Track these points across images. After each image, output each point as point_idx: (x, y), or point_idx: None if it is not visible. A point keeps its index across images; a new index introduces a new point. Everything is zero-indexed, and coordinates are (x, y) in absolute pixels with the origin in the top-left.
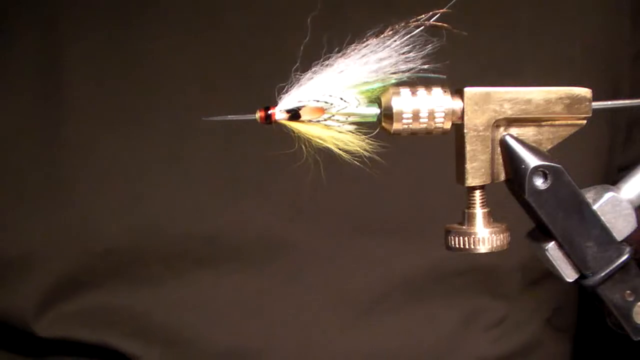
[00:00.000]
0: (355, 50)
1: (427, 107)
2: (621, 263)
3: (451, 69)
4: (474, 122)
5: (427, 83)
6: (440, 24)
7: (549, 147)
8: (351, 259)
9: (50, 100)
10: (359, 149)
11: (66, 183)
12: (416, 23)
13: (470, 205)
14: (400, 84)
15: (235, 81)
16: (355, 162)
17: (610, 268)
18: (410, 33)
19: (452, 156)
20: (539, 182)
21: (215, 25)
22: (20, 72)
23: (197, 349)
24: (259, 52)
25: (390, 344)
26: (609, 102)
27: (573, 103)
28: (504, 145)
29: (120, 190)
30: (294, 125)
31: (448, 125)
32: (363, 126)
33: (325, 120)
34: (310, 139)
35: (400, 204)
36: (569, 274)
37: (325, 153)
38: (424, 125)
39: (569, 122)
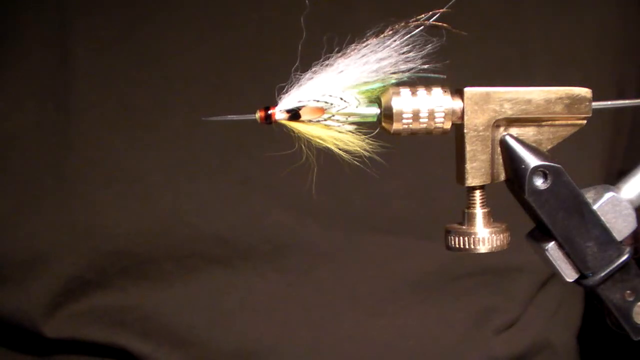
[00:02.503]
0: (355, 50)
1: (427, 107)
2: (621, 263)
3: (452, 69)
4: (474, 122)
5: (427, 83)
6: (440, 23)
7: (549, 147)
8: (361, 258)
9: (58, 101)
10: (359, 149)
11: (76, 184)
12: (416, 23)
13: (470, 205)
14: (400, 84)
15: (243, 81)
16: (357, 163)
17: (610, 268)
18: (410, 33)
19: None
20: (539, 182)
21: (220, 27)
22: (29, 73)
23: (206, 348)
24: (263, 52)
25: (399, 344)
26: (609, 102)
27: (573, 103)
28: (504, 145)
29: (130, 190)
30: (294, 125)
31: (448, 125)
32: (363, 126)
33: (325, 120)
34: (310, 139)
35: (410, 204)
36: (569, 274)
37: (334, 153)
38: (424, 125)
39: (569, 122)
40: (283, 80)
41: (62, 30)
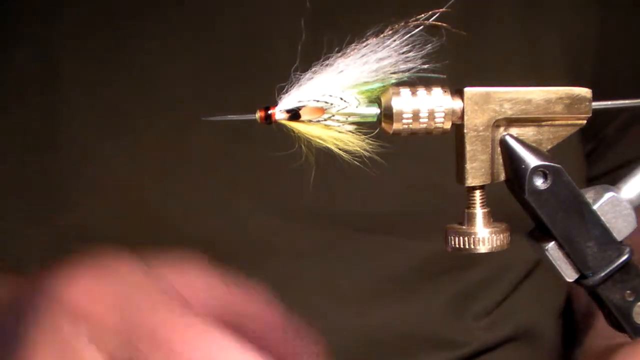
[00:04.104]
0: (355, 50)
1: (427, 107)
2: (621, 263)
3: (451, 69)
4: (474, 122)
5: (427, 83)
6: (439, 23)
7: (549, 147)
8: (345, 257)
9: (45, 104)
10: (358, 149)
11: (63, 188)
12: (415, 23)
13: (470, 205)
14: (400, 84)
15: (235, 82)
16: (354, 162)
17: (610, 268)
18: (410, 33)
19: (444, 155)
20: (539, 182)
21: (214, 26)
22: (17, 77)
23: None
24: (259, 53)
25: (385, 337)
26: (609, 102)
27: (573, 103)
28: (504, 145)
29: (118, 194)
30: (294, 125)
31: (448, 125)
32: (363, 126)
33: (325, 120)
34: (310, 139)
35: (392, 203)
36: (569, 274)
37: (320, 154)
38: (424, 125)
39: (569, 122)
40: (283, 80)
41: (49, 34)
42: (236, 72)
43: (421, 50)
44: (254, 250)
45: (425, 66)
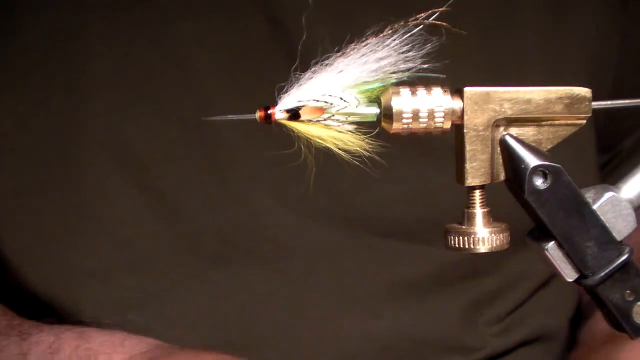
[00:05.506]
0: (355, 50)
1: (427, 107)
2: (621, 263)
3: (451, 69)
4: (474, 122)
5: (427, 83)
6: (440, 23)
7: (549, 147)
8: (360, 260)
9: (69, 82)
10: (359, 149)
11: (78, 179)
12: (416, 22)
13: (470, 205)
14: (400, 84)
15: (238, 81)
16: (359, 165)
17: (610, 268)
18: (410, 32)
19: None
20: (539, 182)
21: (224, 24)
22: (40, 52)
23: (207, 344)
24: (260, 52)
25: (398, 343)
26: (609, 102)
27: (573, 103)
28: (504, 145)
29: (132, 187)
30: (294, 125)
31: (448, 125)
32: (363, 126)
33: (325, 120)
34: (310, 139)
35: (409, 208)
36: (569, 274)
37: (334, 154)
38: (424, 125)
39: (569, 122)
40: (283, 80)
41: (76, 13)
42: (262, 63)
43: (421, 50)
44: (269, 248)
45: (425, 66)
